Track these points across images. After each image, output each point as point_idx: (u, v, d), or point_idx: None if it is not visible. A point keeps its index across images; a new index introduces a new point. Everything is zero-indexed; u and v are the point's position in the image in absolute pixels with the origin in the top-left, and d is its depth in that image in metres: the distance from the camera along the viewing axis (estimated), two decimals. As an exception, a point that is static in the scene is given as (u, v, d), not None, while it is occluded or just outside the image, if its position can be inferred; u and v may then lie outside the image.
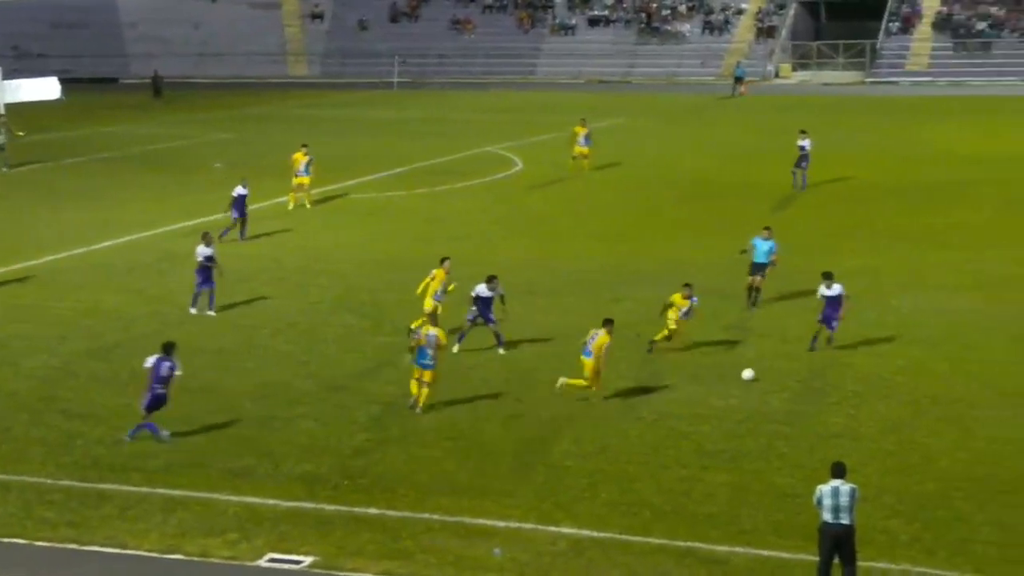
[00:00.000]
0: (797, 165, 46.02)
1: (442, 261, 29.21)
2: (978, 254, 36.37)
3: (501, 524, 19.53)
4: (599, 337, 24.61)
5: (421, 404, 24.50)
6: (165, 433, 22.68)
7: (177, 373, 22.89)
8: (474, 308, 27.80)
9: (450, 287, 28.92)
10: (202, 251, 31.55)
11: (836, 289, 27.22)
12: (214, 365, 27.27)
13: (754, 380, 25.38)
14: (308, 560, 18.45)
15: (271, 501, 20.41)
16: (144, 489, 20.88)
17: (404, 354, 25.74)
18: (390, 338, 29.38)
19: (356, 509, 20.11)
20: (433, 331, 24.43)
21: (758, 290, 31.14)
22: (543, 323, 30.07)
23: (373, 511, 20.02)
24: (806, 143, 46.11)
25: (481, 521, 19.62)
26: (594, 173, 50.77)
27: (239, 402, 24.81)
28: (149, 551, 18.74)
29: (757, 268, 31.09)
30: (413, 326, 26.80)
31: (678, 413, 24.27)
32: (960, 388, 25.26)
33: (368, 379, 26.64)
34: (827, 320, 27.27)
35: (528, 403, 25.08)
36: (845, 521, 16.87)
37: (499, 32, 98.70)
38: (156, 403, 22.81)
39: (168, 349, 23.14)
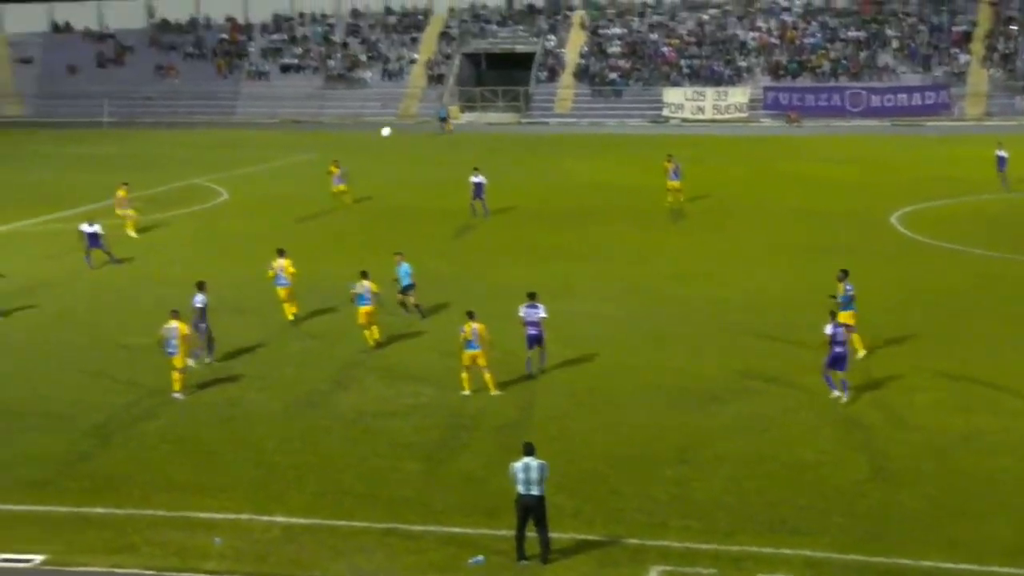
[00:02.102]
0: (476, 197, 46.47)
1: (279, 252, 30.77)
2: (616, 267, 37.51)
3: (220, 516, 19.10)
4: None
5: (177, 390, 24.87)
6: None
7: None
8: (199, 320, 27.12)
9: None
10: None
11: (540, 310, 26.07)
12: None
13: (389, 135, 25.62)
14: (39, 558, 17.57)
15: (3, 507, 19.36)
16: None
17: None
18: (106, 352, 28.30)
19: (83, 509, 19.32)
20: (174, 324, 24.97)
21: (417, 305, 31.12)
22: (248, 335, 29.51)
23: (100, 510, 19.26)
24: (480, 179, 46.59)
25: (202, 514, 19.15)
26: (305, 202, 50.03)
27: (-32, 417, 23.42)
28: None
29: (405, 288, 30.99)
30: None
31: (374, 411, 24.26)
32: (608, 382, 26.02)
33: (88, 391, 25.55)
34: (536, 340, 26.01)
35: (240, 406, 24.60)
36: (536, 492, 17.30)
37: (200, 77, 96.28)
38: None
39: None
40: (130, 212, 43.55)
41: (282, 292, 30.94)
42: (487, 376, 25.09)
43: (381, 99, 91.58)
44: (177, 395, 25.03)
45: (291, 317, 30.72)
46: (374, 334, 28.51)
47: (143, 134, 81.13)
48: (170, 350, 25.04)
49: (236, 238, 42.72)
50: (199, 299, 27.38)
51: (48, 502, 19.59)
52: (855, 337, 26.70)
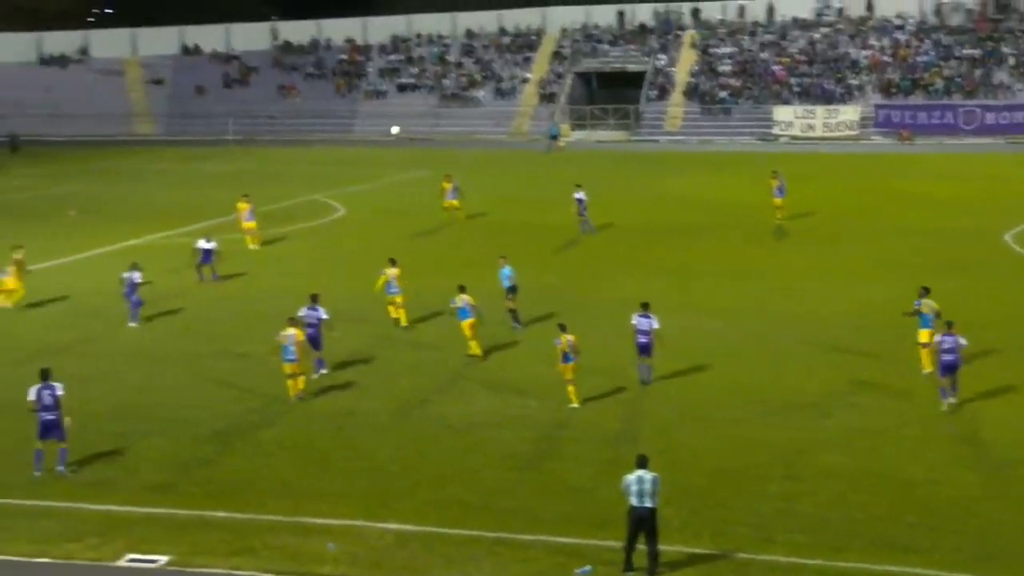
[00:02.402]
0: (580, 214, 46.47)
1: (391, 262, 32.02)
2: (724, 283, 37.16)
3: (334, 522, 19.30)
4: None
5: (301, 389, 25.57)
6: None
7: (59, 394, 21.46)
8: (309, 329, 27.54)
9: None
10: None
11: (652, 320, 26.21)
12: (74, 392, 26.30)
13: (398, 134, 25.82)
14: (164, 559, 17.96)
15: (129, 508, 19.82)
16: (11, 501, 20.07)
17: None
18: (226, 361, 28.87)
19: (206, 513, 19.67)
20: (293, 331, 25.55)
21: (513, 311, 31.48)
22: (360, 345, 29.87)
23: (221, 514, 19.59)
24: (582, 195, 46.59)
25: (317, 520, 19.38)
26: (418, 217, 50.58)
27: (98, 422, 23.97)
28: (18, 556, 18.05)
29: (509, 290, 31.58)
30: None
31: (485, 423, 24.32)
32: (714, 396, 25.80)
33: (210, 398, 26.07)
34: (646, 350, 26.29)
35: (353, 415, 24.88)
36: (649, 504, 17.25)
37: (320, 96, 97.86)
38: (49, 428, 21.29)
39: (46, 375, 21.70)
40: (252, 225, 44.33)
41: (392, 299, 31.85)
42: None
43: (494, 117, 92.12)
44: (299, 396, 25.56)
45: (396, 316, 31.80)
46: (474, 347, 28.78)
47: (265, 151, 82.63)
48: (289, 357, 25.49)
49: (352, 252, 43.20)
50: (322, 311, 27.78)
51: (172, 505, 20.00)
52: (924, 353, 26.62)
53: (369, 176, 66.01)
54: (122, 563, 17.88)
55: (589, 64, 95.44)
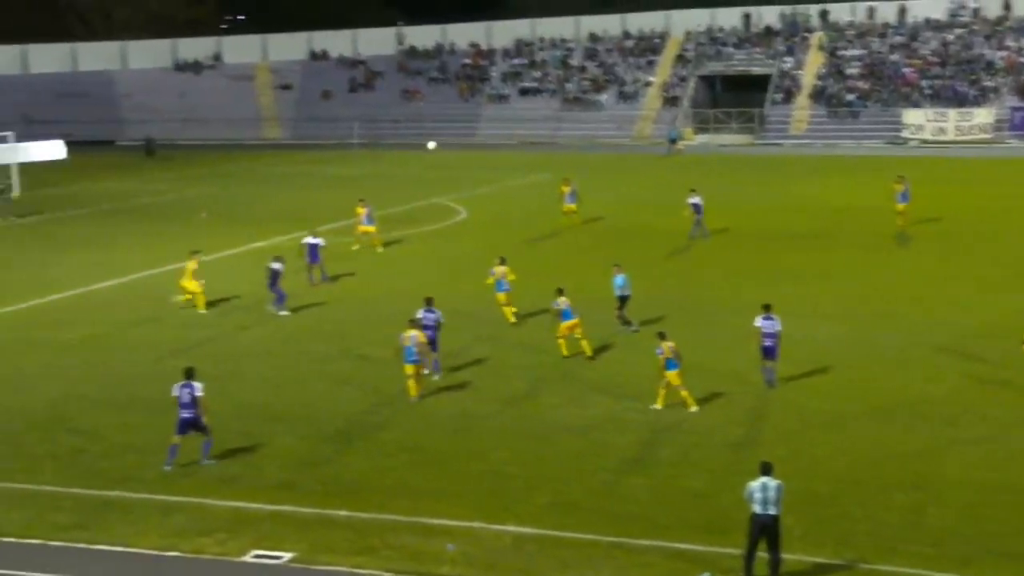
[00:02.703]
0: (694, 218, 46.01)
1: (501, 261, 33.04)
2: (846, 288, 36.56)
3: (453, 523, 19.41)
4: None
5: (415, 394, 25.86)
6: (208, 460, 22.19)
7: (199, 395, 21.94)
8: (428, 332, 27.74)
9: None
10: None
11: (776, 323, 26.09)
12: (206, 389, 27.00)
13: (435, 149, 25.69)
14: (288, 556, 18.29)
15: (255, 505, 20.21)
16: (144, 495, 20.64)
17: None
18: (348, 361, 29.27)
19: (329, 511, 19.95)
20: (415, 332, 25.92)
21: (628, 322, 31.33)
22: (478, 348, 30.04)
23: (344, 513, 19.87)
24: (697, 199, 46.14)
25: (436, 521, 19.51)
26: (538, 220, 50.80)
27: (226, 420, 24.50)
28: (149, 549, 18.56)
29: (621, 299, 31.41)
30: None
31: (601, 426, 24.27)
32: (838, 403, 25.35)
33: (332, 398, 26.46)
34: (770, 353, 26.16)
35: (471, 417, 25.03)
36: (773, 512, 17.04)
37: (444, 100, 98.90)
38: (186, 425, 21.92)
39: (190, 375, 22.30)
40: (370, 228, 44.86)
41: (502, 297, 32.44)
42: (663, 392, 25.03)
43: (616, 121, 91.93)
44: (420, 395, 25.95)
45: (512, 319, 32.38)
46: (585, 348, 28.87)
47: (389, 155, 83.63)
48: (411, 358, 25.80)
49: (471, 255, 43.39)
50: (438, 313, 28.04)
51: (295, 502, 20.33)
52: None
53: (491, 179, 66.40)
54: (248, 559, 18.27)
55: (713, 67, 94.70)
